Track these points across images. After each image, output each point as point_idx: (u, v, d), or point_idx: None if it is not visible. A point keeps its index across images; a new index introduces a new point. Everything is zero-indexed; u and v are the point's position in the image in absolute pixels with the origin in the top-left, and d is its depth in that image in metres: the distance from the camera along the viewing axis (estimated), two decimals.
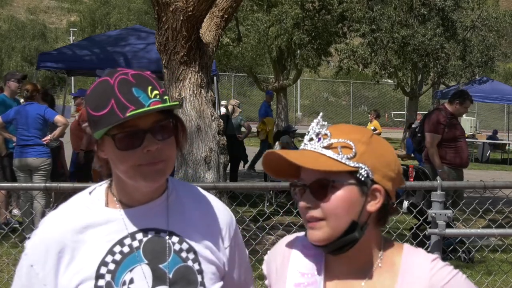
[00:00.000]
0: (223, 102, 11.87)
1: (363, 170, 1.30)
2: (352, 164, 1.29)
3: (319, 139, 1.31)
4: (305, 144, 1.34)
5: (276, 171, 1.38)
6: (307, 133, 1.35)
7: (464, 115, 10.60)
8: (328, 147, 1.30)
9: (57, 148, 7.92)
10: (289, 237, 1.49)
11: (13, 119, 7.03)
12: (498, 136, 23.82)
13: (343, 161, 1.28)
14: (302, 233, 1.46)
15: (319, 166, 1.26)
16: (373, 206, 1.32)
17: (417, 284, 1.30)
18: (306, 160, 1.27)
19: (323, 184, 1.28)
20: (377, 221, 1.35)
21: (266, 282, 1.50)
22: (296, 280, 1.38)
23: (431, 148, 6.85)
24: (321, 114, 1.35)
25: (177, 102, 1.42)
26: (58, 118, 7.17)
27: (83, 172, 8.45)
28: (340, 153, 1.29)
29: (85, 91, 9.65)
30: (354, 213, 1.30)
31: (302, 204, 1.30)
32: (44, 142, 7.07)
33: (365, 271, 1.34)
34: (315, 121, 1.34)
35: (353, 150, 1.29)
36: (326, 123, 1.34)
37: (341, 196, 1.28)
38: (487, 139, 23.04)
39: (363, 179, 1.30)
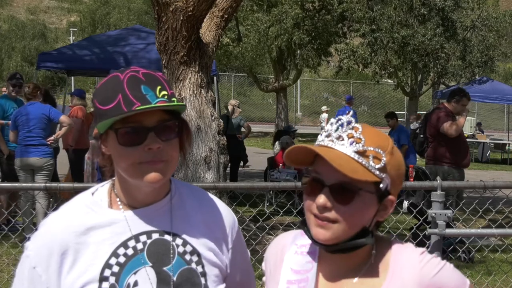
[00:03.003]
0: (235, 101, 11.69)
1: (386, 181, 1.28)
2: (379, 175, 1.27)
3: (352, 142, 1.27)
4: (332, 141, 1.28)
5: (293, 160, 1.33)
6: (331, 126, 1.29)
7: None
8: (360, 153, 1.26)
9: (56, 149, 7.90)
10: (283, 236, 1.48)
11: (18, 119, 6.96)
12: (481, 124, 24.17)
13: (372, 170, 1.26)
14: (296, 231, 1.45)
15: (355, 174, 1.22)
16: (382, 216, 1.32)
17: (407, 278, 1.29)
18: (340, 162, 1.22)
19: (347, 189, 1.25)
20: (375, 225, 1.35)
21: (264, 279, 1.50)
22: (289, 277, 1.38)
23: (453, 126, 6.76)
24: (351, 112, 1.29)
25: (184, 104, 1.41)
26: (63, 118, 7.14)
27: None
28: (371, 161, 1.26)
29: (81, 92, 9.65)
30: (367, 221, 1.30)
31: (321, 202, 1.26)
32: (48, 142, 7.04)
33: (357, 269, 1.33)
34: (345, 118, 1.28)
35: (382, 160, 1.27)
36: (359, 124, 1.28)
37: (363, 204, 1.27)
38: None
39: (383, 190, 1.29)
